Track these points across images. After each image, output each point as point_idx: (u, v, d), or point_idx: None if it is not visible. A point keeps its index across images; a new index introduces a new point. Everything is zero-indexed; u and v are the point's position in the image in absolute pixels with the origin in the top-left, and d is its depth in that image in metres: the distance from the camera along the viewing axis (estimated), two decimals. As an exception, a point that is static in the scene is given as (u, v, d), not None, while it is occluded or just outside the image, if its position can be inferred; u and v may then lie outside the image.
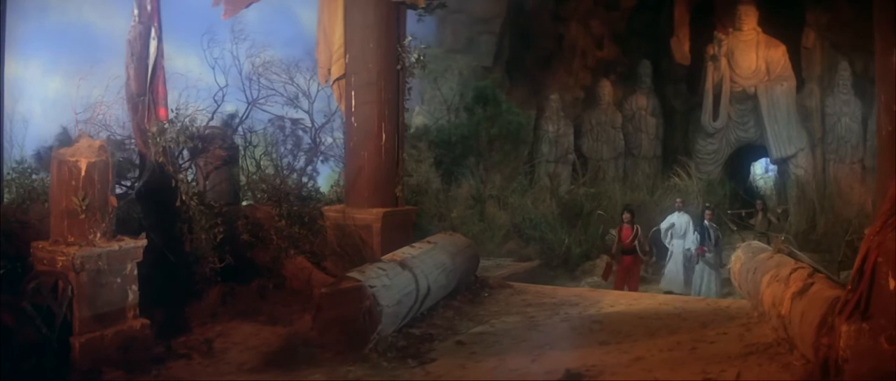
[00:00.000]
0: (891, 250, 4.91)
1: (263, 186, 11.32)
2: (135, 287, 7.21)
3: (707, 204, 16.71)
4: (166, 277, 8.49)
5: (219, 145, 11.28)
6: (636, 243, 14.63)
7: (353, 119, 10.38)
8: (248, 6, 10.96)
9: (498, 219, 17.54)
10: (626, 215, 14.88)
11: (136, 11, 8.33)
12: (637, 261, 14.77)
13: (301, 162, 12.33)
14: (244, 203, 11.51)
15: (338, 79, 10.51)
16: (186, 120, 8.85)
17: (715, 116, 23.18)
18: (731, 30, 23.27)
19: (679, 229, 15.73)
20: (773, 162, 23.63)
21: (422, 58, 10.52)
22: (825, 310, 5.64)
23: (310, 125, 12.69)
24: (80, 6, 11.80)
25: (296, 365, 6.91)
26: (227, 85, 11.50)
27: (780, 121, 22.71)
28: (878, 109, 7.98)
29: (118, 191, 8.92)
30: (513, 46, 23.92)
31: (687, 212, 15.98)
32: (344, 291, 7.16)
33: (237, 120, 11.51)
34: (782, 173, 23.31)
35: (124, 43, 8.48)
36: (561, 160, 23.47)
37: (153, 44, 8.39)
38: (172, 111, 8.85)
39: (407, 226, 10.45)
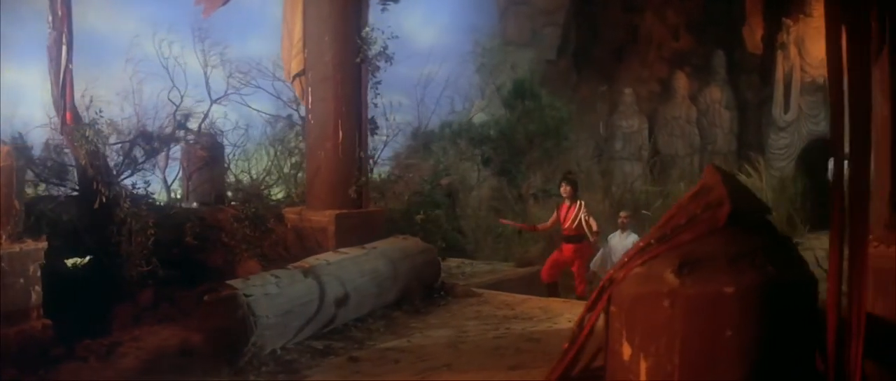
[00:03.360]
0: (627, 297, 3.59)
1: (239, 186, 11.11)
2: (38, 288, 7.31)
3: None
4: (98, 279, 8.47)
5: (200, 146, 11.16)
6: (583, 225, 10.77)
7: (310, 117, 10.03)
8: (225, 3, 10.75)
9: (541, 219, 16.80)
10: (566, 188, 10.94)
11: (50, 18, 8.43)
12: (584, 251, 10.95)
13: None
14: (233, 204, 11.35)
15: (296, 75, 10.17)
16: (103, 122, 8.69)
17: (786, 108, 21.63)
18: (801, 16, 21.61)
19: (617, 256, 11.05)
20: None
21: (386, 49, 10.00)
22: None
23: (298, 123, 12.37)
24: (85, 12, 11.87)
25: (166, 373, 6.82)
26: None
27: (852, 114, 20.83)
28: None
29: (56, 193, 8.95)
30: (579, 39, 23.02)
31: (634, 232, 11.90)
32: (220, 299, 6.87)
33: (203, 118, 11.30)
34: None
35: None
36: (634, 157, 22.39)
37: (64, 49, 8.41)
38: (98, 113, 8.76)
39: (369, 228, 9.99)
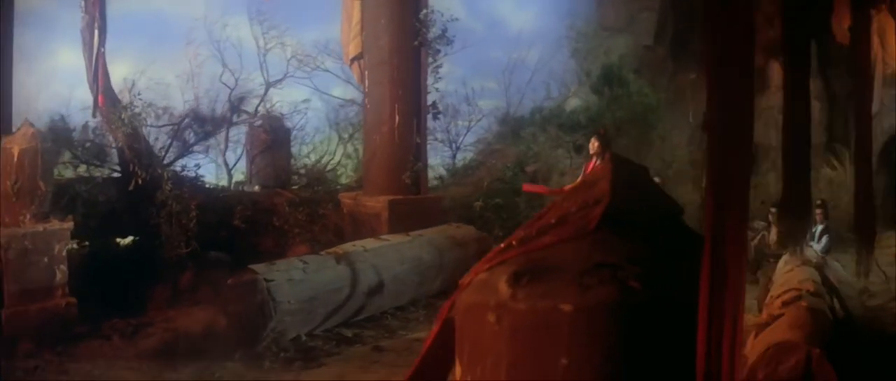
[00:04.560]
0: (462, 306, 2.78)
1: (302, 170, 11.00)
2: (63, 267, 7.33)
3: (819, 201, 12.91)
4: (136, 260, 8.46)
5: (263, 129, 11.12)
6: None
7: (366, 101, 9.80)
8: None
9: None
10: (594, 143, 9.25)
11: (82, 1, 8.41)
12: None
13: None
14: (294, 187, 11.27)
15: (354, 58, 9.94)
16: (141, 105, 8.66)
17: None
18: (884, 6, 20.22)
19: None
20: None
21: (446, 32, 9.68)
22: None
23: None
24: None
25: (184, 355, 6.63)
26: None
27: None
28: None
29: (97, 175, 9.00)
30: (677, 25, 22.13)
31: None
32: (242, 284, 6.70)
33: (260, 101, 11.20)
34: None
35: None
36: (731, 147, 21.48)
37: (96, 32, 8.39)
38: (136, 95, 8.76)
39: (425, 215, 9.64)
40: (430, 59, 9.93)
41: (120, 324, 7.41)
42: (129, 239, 8.60)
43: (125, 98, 8.98)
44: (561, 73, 20.46)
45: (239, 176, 11.60)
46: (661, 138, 18.11)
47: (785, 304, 5.28)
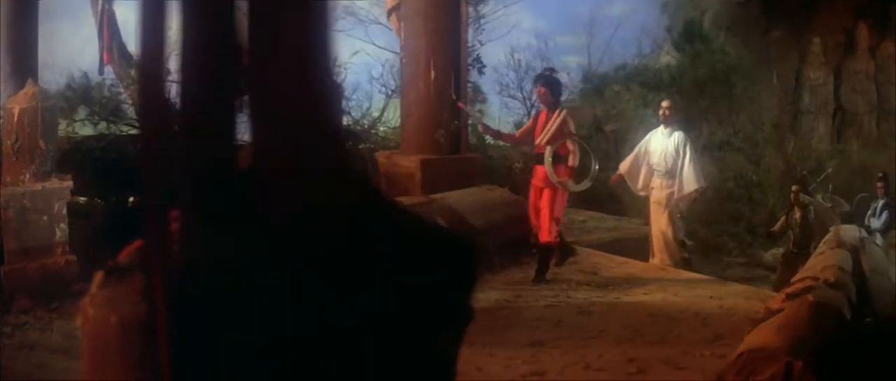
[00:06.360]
0: None
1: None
2: (63, 226, 7.37)
3: (880, 174, 11.90)
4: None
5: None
6: (568, 145, 7.60)
7: (402, 55, 9.35)
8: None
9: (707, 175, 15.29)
10: (540, 89, 7.97)
11: None
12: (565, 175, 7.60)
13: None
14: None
15: (392, 9, 9.50)
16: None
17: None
18: None
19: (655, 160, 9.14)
20: None
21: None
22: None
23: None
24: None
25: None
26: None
27: None
28: None
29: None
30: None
31: (676, 128, 9.27)
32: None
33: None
34: None
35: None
36: (820, 111, 20.23)
37: None
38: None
39: (462, 176, 9.17)
40: (472, 11, 9.36)
41: (119, 283, 7.29)
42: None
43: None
44: (654, 29, 19.55)
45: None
46: (751, 99, 17.06)
47: (789, 297, 4.52)
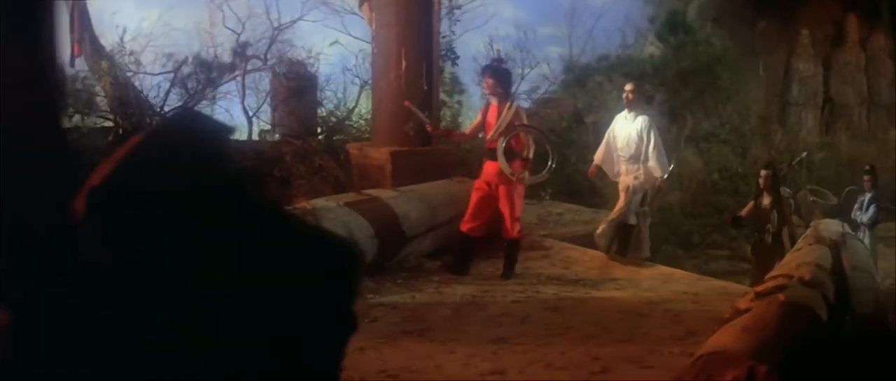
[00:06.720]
0: None
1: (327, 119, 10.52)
2: None
3: (867, 167, 11.59)
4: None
5: (285, 77, 10.75)
6: (522, 138, 7.36)
7: (373, 45, 9.17)
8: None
9: (690, 167, 15.14)
10: (487, 81, 7.53)
11: None
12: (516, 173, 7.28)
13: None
14: (319, 137, 10.79)
15: (364, -1, 9.33)
16: (124, 53, 8.34)
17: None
18: None
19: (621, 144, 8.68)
20: None
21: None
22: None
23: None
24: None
25: None
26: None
27: None
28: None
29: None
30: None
31: (640, 112, 8.71)
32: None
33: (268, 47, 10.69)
34: None
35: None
36: (809, 103, 20.13)
37: None
38: (118, 42, 8.45)
39: (435, 168, 8.99)
40: (445, 0, 9.18)
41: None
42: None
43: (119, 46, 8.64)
44: (636, 18, 19.31)
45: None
46: (737, 91, 16.90)
47: (759, 296, 4.29)
